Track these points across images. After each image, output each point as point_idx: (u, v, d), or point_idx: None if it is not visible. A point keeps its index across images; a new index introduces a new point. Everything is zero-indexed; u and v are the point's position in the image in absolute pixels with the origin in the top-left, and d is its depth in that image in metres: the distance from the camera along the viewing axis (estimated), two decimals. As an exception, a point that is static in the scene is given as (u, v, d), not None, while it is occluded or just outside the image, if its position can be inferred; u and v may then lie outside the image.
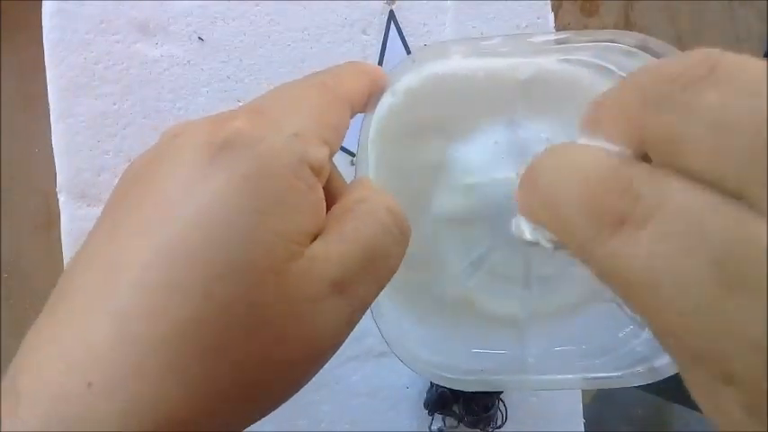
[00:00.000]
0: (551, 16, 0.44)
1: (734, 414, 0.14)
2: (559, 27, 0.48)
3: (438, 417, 0.42)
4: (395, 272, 0.21)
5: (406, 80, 0.26)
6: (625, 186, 0.14)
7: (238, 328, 0.17)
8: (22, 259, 0.44)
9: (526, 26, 0.44)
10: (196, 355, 0.17)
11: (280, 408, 0.19)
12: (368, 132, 0.25)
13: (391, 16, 0.43)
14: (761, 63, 0.14)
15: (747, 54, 0.14)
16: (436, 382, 0.26)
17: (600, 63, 0.26)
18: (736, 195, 0.13)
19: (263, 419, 0.19)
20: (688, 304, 0.13)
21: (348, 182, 0.23)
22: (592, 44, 0.25)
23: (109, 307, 0.17)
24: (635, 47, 0.23)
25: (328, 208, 0.21)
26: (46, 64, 0.41)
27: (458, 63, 0.27)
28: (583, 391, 0.44)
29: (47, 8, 0.41)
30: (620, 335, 0.27)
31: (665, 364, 0.24)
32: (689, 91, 0.14)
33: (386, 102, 0.25)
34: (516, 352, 0.27)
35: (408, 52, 0.43)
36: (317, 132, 0.20)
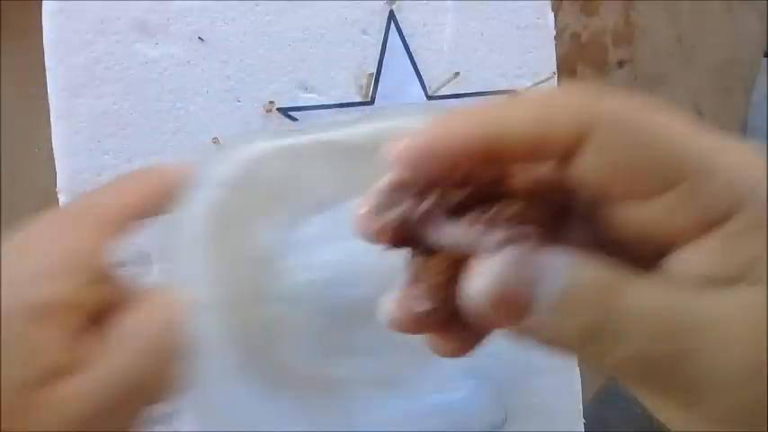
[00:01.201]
0: (551, 16, 0.44)
1: None
2: (559, 27, 0.48)
3: (438, 417, 0.42)
4: (170, 387, 0.21)
5: (218, 171, 0.27)
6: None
7: None
8: (23, 259, 0.44)
9: (526, 26, 0.44)
10: None
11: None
12: (180, 231, 0.25)
13: (391, 16, 0.43)
14: None
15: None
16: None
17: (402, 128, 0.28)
18: None
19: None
20: None
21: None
22: (389, 117, 0.28)
23: None
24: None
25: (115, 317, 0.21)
26: (46, 64, 0.41)
27: (268, 145, 0.28)
28: (583, 390, 0.44)
29: (47, 8, 0.41)
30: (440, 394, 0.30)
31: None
32: None
33: (203, 196, 0.26)
34: (352, 420, 0.29)
35: (408, 52, 0.43)
36: (62, 268, 0.20)
